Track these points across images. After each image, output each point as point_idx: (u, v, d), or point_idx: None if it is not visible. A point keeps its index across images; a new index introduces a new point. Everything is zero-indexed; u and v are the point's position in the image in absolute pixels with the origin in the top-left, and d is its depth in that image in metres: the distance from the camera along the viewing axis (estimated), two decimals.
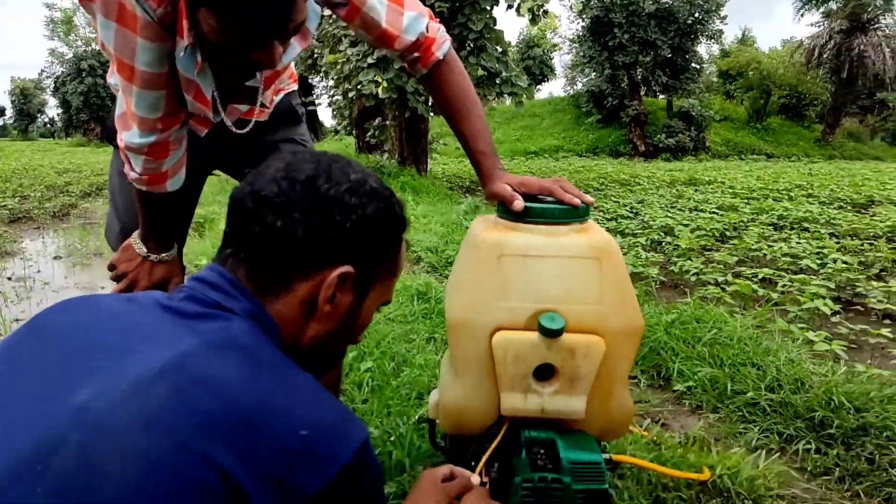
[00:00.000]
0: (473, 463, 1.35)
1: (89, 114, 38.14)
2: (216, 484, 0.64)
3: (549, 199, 1.33)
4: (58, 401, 0.67)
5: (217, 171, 1.68)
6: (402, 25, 1.32)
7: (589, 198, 1.32)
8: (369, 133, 11.29)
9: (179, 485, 0.63)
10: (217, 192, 7.77)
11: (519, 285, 1.27)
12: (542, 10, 8.43)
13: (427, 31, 1.35)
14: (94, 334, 0.76)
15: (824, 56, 25.04)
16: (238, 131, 1.42)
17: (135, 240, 1.48)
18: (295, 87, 1.66)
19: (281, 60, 1.12)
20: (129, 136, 1.26)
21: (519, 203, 1.28)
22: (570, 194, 1.30)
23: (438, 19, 1.41)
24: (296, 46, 1.24)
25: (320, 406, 0.75)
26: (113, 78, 1.24)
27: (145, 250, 1.47)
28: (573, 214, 1.30)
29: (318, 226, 0.81)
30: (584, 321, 1.27)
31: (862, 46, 23.91)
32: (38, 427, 0.65)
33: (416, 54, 1.37)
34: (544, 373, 1.29)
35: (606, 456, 1.51)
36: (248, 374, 0.72)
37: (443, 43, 1.38)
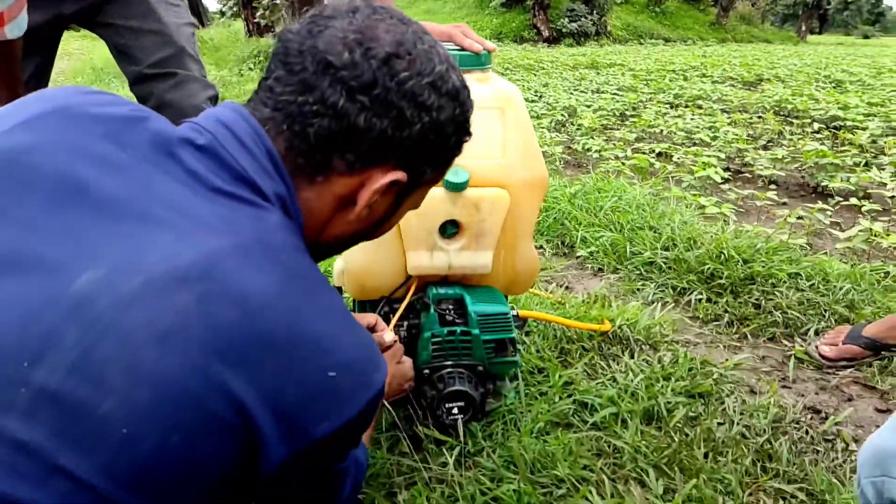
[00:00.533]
0: None
1: None
2: (227, 415, 0.56)
3: (450, 45, 1.26)
4: (51, 276, 0.55)
5: (74, 26, 1.51)
6: None
7: (490, 44, 1.27)
8: (258, 13, 10.54)
9: (188, 412, 0.54)
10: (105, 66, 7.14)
11: None
12: None
13: None
14: (88, 190, 0.60)
15: None
16: None
17: None
18: None
19: None
20: None
21: None
22: (470, 40, 1.24)
23: None
24: None
25: (351, 341, 0.66)
26: None
27: None
28: (474, 61, 1.25)
29: (384, 119, 0.68)
30: (488, 175, 1.24)
31: None
32: (24, 305, 0.53)
33: None
34: (449, 230, 1.28)
35: (513, 312, 1.54)
36: (281, 293, 0.61)
37: None
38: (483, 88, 1.24)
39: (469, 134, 0.80)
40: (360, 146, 0.69)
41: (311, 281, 0.66)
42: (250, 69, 8.77)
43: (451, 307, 1.31)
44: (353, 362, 0.65)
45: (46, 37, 1.48)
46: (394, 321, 1.29)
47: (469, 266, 1.29)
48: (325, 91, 0.66)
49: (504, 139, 1.24)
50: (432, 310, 1.29)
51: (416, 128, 0.70)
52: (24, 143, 0.62)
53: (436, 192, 1.22)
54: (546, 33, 21.58)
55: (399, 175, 0.72)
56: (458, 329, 1.27)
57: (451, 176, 1.19)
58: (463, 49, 1.24)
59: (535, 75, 9.71)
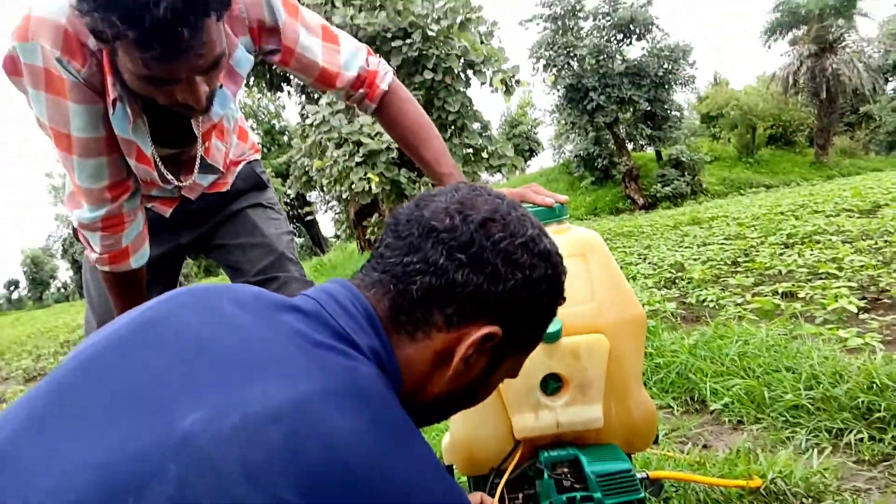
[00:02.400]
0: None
1: None
2: None
3: (524, 205, 1.30)
4: (161, 417, 0.59)
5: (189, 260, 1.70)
6: (341, 62, 1.33)
7: (562, 197, 1.29)
8: (369, 230, 11.43)
9: None
10: None
11: None
12: (514, 79, 8.70)
13: (368, 66, 1.37)
14: (208, 346, 0.66)
15: (800, 81, 25.51)
16: (192, 196, 1.44)
17: None
18: (257, 156, 1.67)
19: (211, 104, 1.12)
20: (79, 213, 1.25)
21: None
22: (542, 195, 1.27)
23: (376, 54, 1.43)
24: (227, 93, 1.25)
25: (439, 490, 0.66)
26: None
27: None
28: (549, 215, 1.27)
29: (480, 275, 0.73)
30: (581, 321, 1.20)
31: (834, 65, 24.38)
32: (135, 442, 0.58)
33: (361, 90, 1.38)
34: (552, 385, 1.22)
35: (642, 474, 1.40)
36: (366, 436, 0.63)
37: (385, 74, 1.39)
38: (561, 238, 1.24)
39: (562, 296, 0.83)
40: (457, 301, 0.73)
41: (400, 429, 0.67)
42: None
43: (566, 471, 1.21)
44: None
45: (168, 266, 1.65)
46: (499, 488, 1.20)
47: (579, 422, 1.21)
48: (427, 252, 0.73)
49: (591, 283, 1.21)
50: (546, 476, 1.19)
51: (509, 283, 0.74)
52: (161, 311, 0.71)
53: None
54: (641, 201, 21.93)
55: (494, 329, 0.74)
56: (578, 495, 1.15)
57: None
58: (536, 205, 1.27)
59: (635, 240, 9.73)
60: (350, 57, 1.35)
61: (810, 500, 1.53)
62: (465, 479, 1.41)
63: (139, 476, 0.55)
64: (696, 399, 2.45)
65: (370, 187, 8.49)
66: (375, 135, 8.53)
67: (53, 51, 1.06)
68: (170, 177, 1.32)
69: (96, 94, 1.12)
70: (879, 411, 1.88)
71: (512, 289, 0.74)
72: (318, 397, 0.62)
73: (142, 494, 0.54)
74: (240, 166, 1.58)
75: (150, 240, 1.44)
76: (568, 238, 1.24)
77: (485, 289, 0.73)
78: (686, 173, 22.03)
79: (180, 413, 0.59)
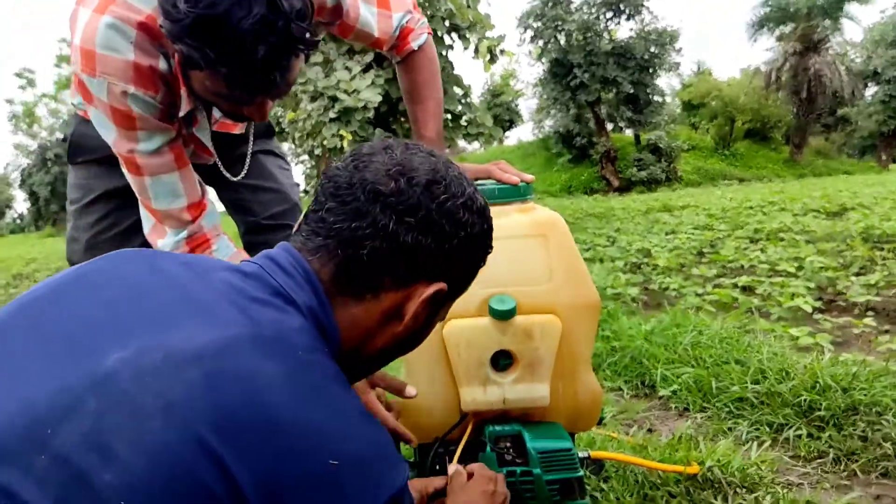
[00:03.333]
0: (438, 467, 1.25)
1: (58, 204, 37.92)
2: (219, 490, 0.56)
3: (489, 181, 1.29)
4: (88, 357, 0.61)
5: None
6: (392, 28, 1.39)
7: (528, 176, 1.29)
8: None
9: (180, 483, 0.56)
10: None
11: None
12: (498, 48, 8.59)
13: (406, 23, 1.41)
14: (145, 295, 0.69)
15: (782, 79, 25.75)
16: (232, 178, 1.47)
17: None
18: None
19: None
20: (163, 242, 1.24)
21: None
22: (508, 173, 1.27)
23: (420, 10, 1.46)
24: None
25: (361, 437, 0.67)
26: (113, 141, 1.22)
27: None
28: (513, 193, 1.26)
29: (428, 236, 0.75)
30: (536, 301, 1.21)
31: (817, 66, 24.63)
32: (59, 380, 0.60)
33: (394, 44, 1.42)
34: (502, 362, 1.23)
35: (584, 453, 1.43)
36: (289, 381, 0.64)
37: (420, 35, 1.43)
38: (525, 218, 1.24)
39: (492, 247, 0.87)
40: (407, 263, 0.76)
41: (325, 376, 0.68)
42: None
43: (509, 445, 1.22)
44: (362, 456, 0.64)
45: None
46: (456, 457, 1.21)
47: (525, 399, 1.22)
48: (376, 216, 0.74)
49: (549, 265, 1.22)
50: (489, 449, 1.20)
51: (454, 242, 0.78)
52: (101, 264, 0.75)
53: (484, 323, 1.19)
54: (616, 183, 22.08)
55: (441, 286, 0.79)
56: (518, 469, 1.17)
57: (497, 304, 1.17)
58: (502, 182, 1.27)
59: (606, 222, 9.81)
60: (399, 20, 1.39)
61: (744, 490, 1.58)
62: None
63: (59, 409, 0.57)
64: (646, 384, 2.50)
65: (342, 145, 8.36)
66: (352, 92, 8.38)
67: (127, 86, 1.10)
68: (218, 161, 1.40)
69: (165, 116, 1.16)
70: (820, 410, 1.93)
71: (456, 246, 0.78)
72: (242, 341, 0.64)
73: (60, 427, 0.56)
74: None
75: None
76: (531, 218, 1.24)
77: (432, 249, 0.76)
78: (662, 159, 22.22)
79: (105, 353, 0.61)
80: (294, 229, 0.82)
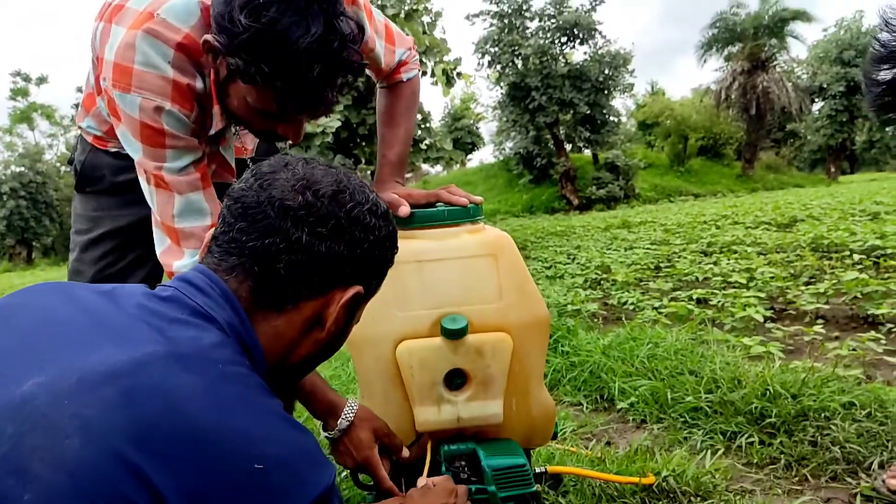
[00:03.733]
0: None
1: (14, 237, 36.91)
2: (143, 502, 0.57)
3: (440, 204, 1.32)
4: (3, 386, 0.62)
5: None
6: (394, 62, 1.46)
7: (477, 198, 1.32)
8: None
9: (103, 496, 0.56)
10: None
11: (417, 292, 1.23)
12: (454, 71, 8.73)
13: (405, 58, 1.48)
14: (61, 323, 0.70)
15: (732, 97, 26.52)
16: (236, 156, 1.46)
17: None
18: None
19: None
20: (180, 263, 1.21)
21: (404, 209, 1.26)
22: (457, 196, 1.29)
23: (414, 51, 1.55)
24: None
25: (284, 440, 0.68)
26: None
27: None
28: (463, 214, 1.29)
29: (341, 244, 0.79)
30: (487, 320, 1.23)
31: (765, 83, 25.44)
32: None
33: (387, 74, 1.48)
34: (455, 381, 1.24)
35: (540, 469, 1.45)
36: (210, 391, 0.65)
37: (411, 69, 1.51)
38: (474, 238, 1.27)
39: (397, 247, 0.92)
40: (324, 271, 0.79)
41: (246, 385, 0.70)
42: None
43: (464, 464, 1.24)
44: (286, 458, 0.66)
45: None
46: (424, 474, 1.22)
47: (479, 417, 1.24)
48: (289, 231, 0.76)
49: (500, 284, 1.24)
50: (444, 468, 1.22)
51: (364, 246, 0.82)
52: (19, 296, 0.76)
53: (436, 343, 1.20)
54: (575, 202, 22.38)
55: (358, 288, 0.83)
56: (473, 487, 1.19)
57: (449, 323, 1.19)
58: (451, 205, 1.29)
59: (567, 240, 9.94)
60: (400, 55, 1.46)
61: (698, 498, 1.61)
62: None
63: None
64: (605, 398, 2.54)
65: None
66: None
67: (164, 102, 1.10)
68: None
69: (195, 135, 1.17)
70: (770, 417, 1.99)
71: (367, 250, 0.83)
72: (159, 359, 0.65)
73: None
74: None
75: None
76: (481, 238, 1.27)
77: (345, 255, 0.80)
78: (620, 177, 22.61)
79: (20, 381, 0.61)
80: (201, 252, 0.85)
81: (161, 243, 1.23)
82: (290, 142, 1.20)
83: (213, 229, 0.84)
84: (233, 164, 1.38)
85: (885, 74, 1.28)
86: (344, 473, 1.85)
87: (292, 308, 0.79)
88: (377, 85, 1.55)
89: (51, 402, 0.60)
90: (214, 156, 1.31)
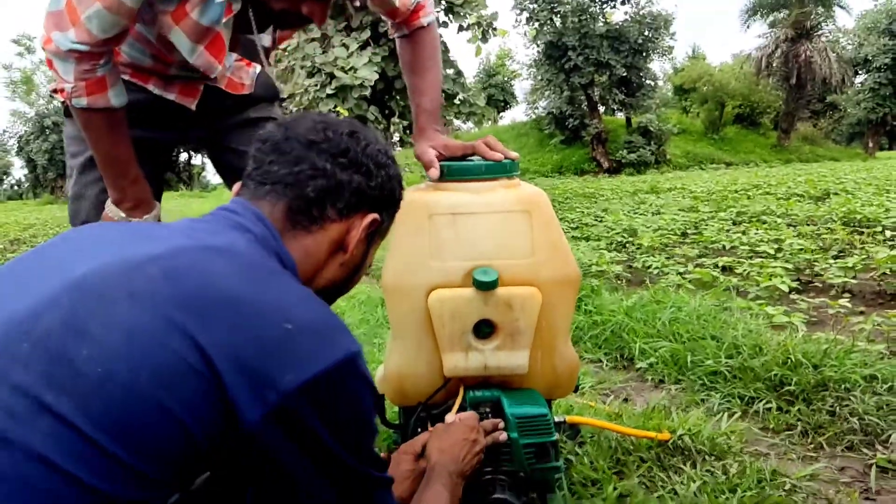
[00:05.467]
0: (420, 430, 1.32)
1: (56, 171, 37.49)
2: (191, 359, 0.65)
3: (476, 158, 1.34)
4: (61, 273, 0.71)
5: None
6: (410, 1, 1.44)
7: (513, 153, 1.33)
8: None
9: (154, 351, 0.64)
10: None
11: (451, 244, 1.26)
12: (491, 27, 8.59)
13: (421, 0, 1.46)
14: (107, 236, 0.81)
15: (773, 65, 25.79)
16: (232, 91, 1.47)
17: (109, 208, 1.37)
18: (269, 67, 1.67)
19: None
20: (60, 37, 1.15)
21: (434, 171, 1.29)
22: (494, 150, 1.31)
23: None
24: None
25: (313, 308, 0.76)
26: None
27: (123, 213, 1.35)
28: (500, 169, 1.31)
29: (359, 174, 0.90)
30: (518, 274, 1.27)
31: (808, 52, 24.67)
32: (38, 293, 0.69)
33: (406, 17, 1.46)
34: (484, 330, 1.29)
35: (560, 418, 1.49)
36: (243, 271, 0.74)
37: (430, 13, 1.49)
38: (510, 193, 1.29)
39: (403, 188, 1.02)
40: (344, 196, 0.89)
41: (275, 270, 0.79)
42: None
43: (488, 411, 1.29)
44: (312, 322, 0.73)
45: (162, 153, 1.61)
46: (454, 410, 1.28)
47: (505, 366, 1.29)
48: (314, 160, 0.88)
49: (532, 240, 1.27)
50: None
51: (378, 179, 0.93)
52: (77, 229, 0.87)
53: (468, 293, 1.24)
54: (606, 165, 22.13)
55: (375, 216, 0.93)
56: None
57: (481, 275, 1.22)
58: (487, 159, 1.31)
59: (595, 202, 9.87)
60: None
61: (712, 458, 1.65)
62: (396, 408, 1.49)
63: (38, 309, 0.67)
64: (625, 356, 2.58)
65: None
66: (349, 69, 8.37)
67: None
68: (227, 68, 1.40)
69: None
70: (790, 385, 2.01)
71: (381, 182, 0.93)
72: (196, 248, 0.75)
73: (39, 321, 0.66)
74: (254, 68, 1.57)
75: (163, 123, 1.47)
76: (516, 194, 1.29)
77: (363, 185, 0.91)
78: (653, 142, 22.26)
79: (74, 269, 0.71)
80: (236, 189, 0.93)
81: (56, 4, 1.15)
82: (316, 24, 1.18)
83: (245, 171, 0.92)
84: (227, 46, 1.30)
85: None
86: None
87: (319, 229, 0.89)
88: (396, 35, 1.54)
89: (100, 279, 0.69)
90: (208, 31, 1.24)
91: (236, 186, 0.94)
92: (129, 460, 0.61)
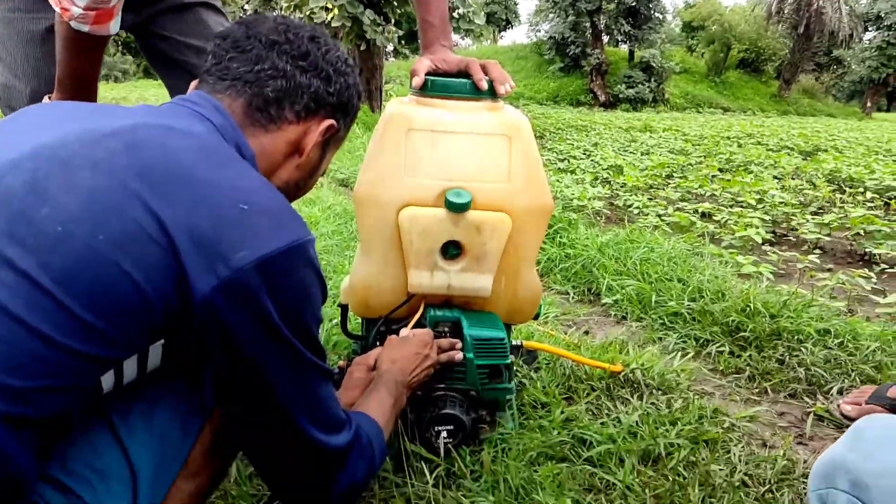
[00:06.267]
0: (379, 343, 1.34)
1: None
2: (147, 226, 0.67)
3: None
4: (23, 142, 0.73)
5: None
6: None
7: (506, 86, 1.29)
8: None
9: (112, 216, 0.67)
10: None
11: (427, 162, 1.26)
12: None
13: None
14: (74, 113, 0.81)
15: (784, 11, 25.21)
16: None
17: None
18: None
19: None
20: None
21: (417, 80, 1.26)
22: (480, 75, 1.28)
23: None
24: None
25: (269, 194, 0.78)
26: None
27: None
28: (482, 90, 1.28)
29: (317, 78, 0.91)
30: (491, 199, 1.27)
31: (820, 3, 24.10)
32: (4, 159, 0.71)
33: None
34: (451, 251, 1.30)
35: (517, 342, 1.53)
36: (202, 151, 0.76)
37: None
38: (492, 117, 1.27)
39: (361, 97, 1.03)
40: (303, 99, 0.90)
41: (234, 157, 0.81)
42: None
43: (447, 330, 1.32)
44: (269, 206, 0.76)
45: None
46: (410, 326, 1.31)
47: (468, 288, 1.31)
48: (275, 60, 0.88)
49: (510, 166, 1.27)
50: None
51: (337, 86, 0.94)
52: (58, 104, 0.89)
53: (439, 213, 1.25)
54: (603, 98, 21.81)
55: (331, 122, 0.94)
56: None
57: (453, 196, 1.22)
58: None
59: (586, 136, 9.79)
60: None
61: (659, 392, 1.72)
62: (359, 319, 1.52)
63: (3, 168, 0.70)
64: (592, 291, 2.63)
65: (329, 19, 8.08)
66: None
67: None
68: None
69: None
70: (745, 332, 2.08)
71: (340, 89, 0.94)
72: (156, 126, 0.77)
73: (0, 182, 0.69)
74: None
75: None
76: (498, 118, 1.28)
77: (322, 89, 0.92)
78: (653, 79, 21.91)
79: (39, 137, 0.74)
80: (194, 84, 0.92)
81: None
82: None
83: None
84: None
85: None
86: (333, 321, 1.97)
87: (277, 129, 0.90)
88: None
89: (63, 147, 0.72)
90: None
91: (194, 83, 0.93)
92: (84, 315, 0.65)
